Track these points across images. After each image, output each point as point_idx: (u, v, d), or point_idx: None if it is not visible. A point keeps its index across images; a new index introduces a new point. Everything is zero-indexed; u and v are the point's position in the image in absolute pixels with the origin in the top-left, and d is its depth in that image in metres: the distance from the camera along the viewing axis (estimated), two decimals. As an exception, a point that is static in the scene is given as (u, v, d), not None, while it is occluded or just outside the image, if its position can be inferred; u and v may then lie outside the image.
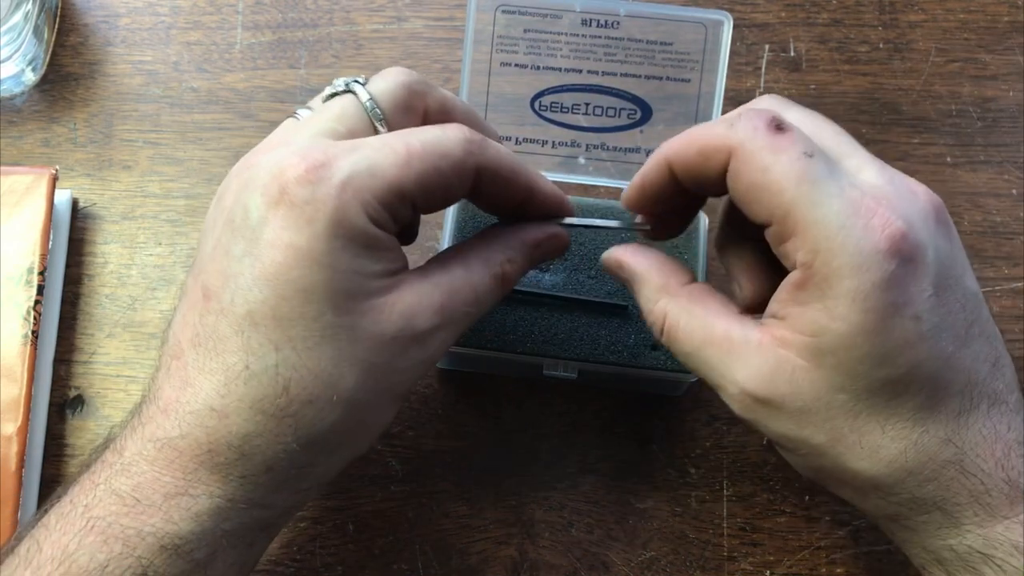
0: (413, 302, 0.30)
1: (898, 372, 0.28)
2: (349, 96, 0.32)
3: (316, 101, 0.34)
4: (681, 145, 0.31)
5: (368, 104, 0.31)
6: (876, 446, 0.29)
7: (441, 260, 0.33)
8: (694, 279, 0.33)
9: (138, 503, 0.28)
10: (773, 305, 0.30)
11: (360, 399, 0.29)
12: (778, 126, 0.29)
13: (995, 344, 0.30)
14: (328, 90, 0.32)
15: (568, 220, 0.35)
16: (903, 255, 0.27)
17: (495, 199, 0.33)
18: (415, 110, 0.32)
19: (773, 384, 0.29)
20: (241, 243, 0.29)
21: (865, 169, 0.30)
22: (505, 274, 0.33)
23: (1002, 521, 0.28)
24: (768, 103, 0.32)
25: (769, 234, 0.29)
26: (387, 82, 0.32)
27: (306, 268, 0.28)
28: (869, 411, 0.28)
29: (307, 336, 0.28)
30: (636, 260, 0.34)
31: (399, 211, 0.30)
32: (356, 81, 0.32)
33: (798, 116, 0.31)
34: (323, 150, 0.29)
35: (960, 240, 0.31)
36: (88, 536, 0.28)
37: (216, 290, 0.29)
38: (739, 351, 0.30)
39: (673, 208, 0.34)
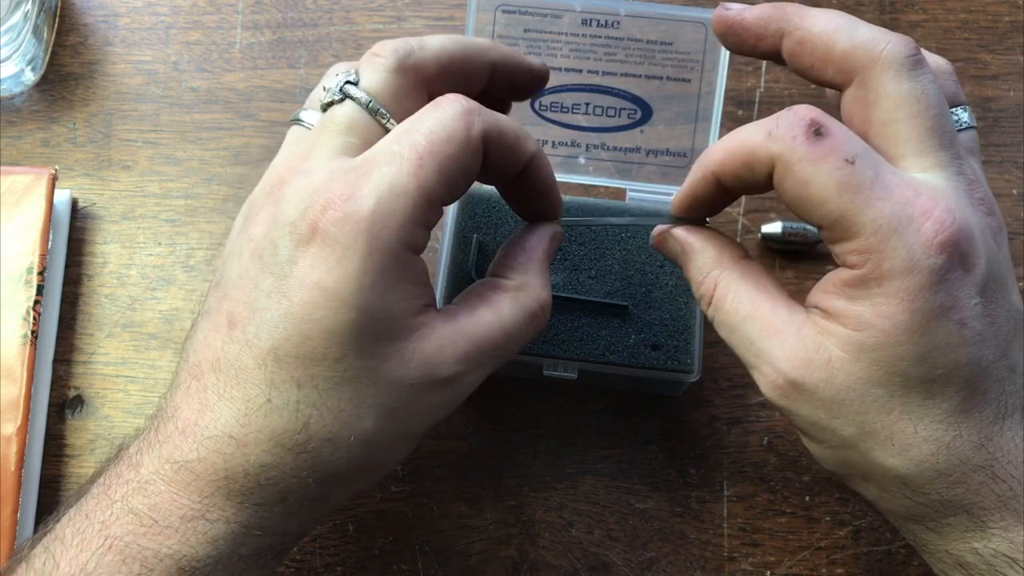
0: (434, 350, 0.30)
1: (936, 373, 0.28)
2: (348, 103, 0.31)
3: (313, 103, 0.33)
4: (725, 156, 0.31)
5: (372, 107, 0.31)
6: (907, 444, 0.29)
7: (468, 301, 0.32)
8: (747, 256, 0.33)
9: (156, 524, 0.28)
10: (817, 296, 0.30)
11: (378, 440, 0.30)
12: (817, 131, 0.28)
13: None
14: (325, 98, 0.32)
15: (593, 219, 0.36)
16: (955, 259, 0.27)
17: (499, 166, 0.32)
18: (415, 86, 0.32)
19: (809, 369, 0.29)
20: (270, 279, 0.29)
21: (934, 170, 0.29)
22: (544, 307, 0.33)
23: None
24: (900, 45, 0.30)
25: (823, 235, 0.30)
26: (378, 74, 0.31)
27: (332, 309, 0.28)
28: (903, 408, 0.28)
29: (329, 376, 0.28)
30: (690, 233, 0.34)
31: (429, 217, 0.30)
32: (349, 82, 0.31)
33: (915, 87, 0.29)
34: (343, 179, 0.29)
35: (1011, 261, 0.30)
36: (107, 555, 0.28)
37: (242, 320, 0.29)
38: (780, 330, 0.30)
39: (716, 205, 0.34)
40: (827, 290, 0.30)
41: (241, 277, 0.30)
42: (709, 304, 0.32)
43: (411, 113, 0.31)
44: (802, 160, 0.28)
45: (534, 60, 0.36)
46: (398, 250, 0.29)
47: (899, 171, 0.29)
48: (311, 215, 0.28)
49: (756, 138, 0.29)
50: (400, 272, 0.29)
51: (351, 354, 0.28)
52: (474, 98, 0.31)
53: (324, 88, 0.32)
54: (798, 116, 0.29)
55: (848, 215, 0.28)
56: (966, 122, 0.32)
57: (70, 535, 0.29)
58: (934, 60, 0.33)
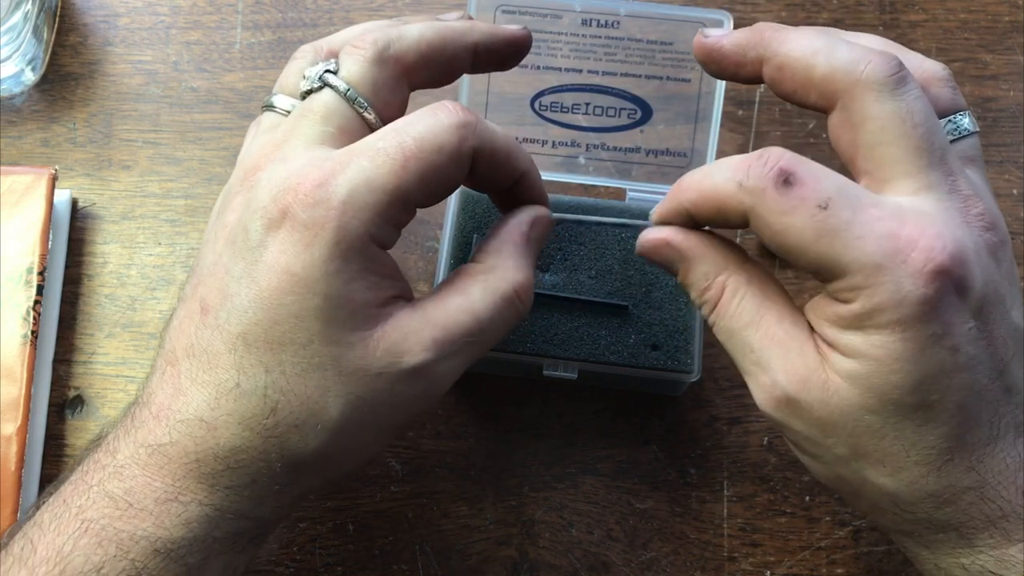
0: (399, 338, 0.29)
1: (929, 400, 0.27)
2: (327, 91, 0.31)
3: (283, 87, 0.33)
4: (698, 199, 0.30)
5: (351, 95, 0.31)
6: (898, 467, 0.28)
7: (437, 291, 0.32)
8: (750, 258, 0.32)
9: (131, 507, 0.29)
10: (811, 317, 0.30)
11: (345, 429, 0.29)
12: (786, 180, 0.28)
13: None
14: (304, 85, 0.32)
15: (582, 216, 0.36)
16: (946, 287, 0.27)
17: (488, 180, 0.32)
18: (394, 77, 0.32)
19: (806, 387, 0.29)
20: (241, 264, 0.29)
21: (924, 192, 0.28)
22: (519, 290, 0.32)
23: (1016, 544, 0.28)
24: (881, 65, 0.29)
25: (812, 276, 0.29)
26: (357, 64, 0.31)
27: (299, 294, 0.28)
28: (896, 435, 0.28)
29: (295, 362, 0.29)
30: (687, 238, 0.32)
31: (401, 218, 0.30)
32: (328, 71, 0.31)
33: (900, 107, 0.29)
34: (319, 166, 0.29)
35: (1016, 274, 0.30)
36: (83, 538, 0.28)
37: (214, 306, 0.29)
38: (784, 343, 0.29)
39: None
40: (819, 315, 0.29)
41: (215, 264, 0.30)
42: (714, 308, 0.31)
43: (390, 103, 0.32)
44: (774, 212, 0.28)
45: (514, 30, 0.34)
46: (365, 243, 0.29)
47: (882, 200, 0.28)
48: (283, 199, 0.29)
49: (728, 188, 0.29)
50: (366, 264, 0.29)
51: (316, 340, 0.28)
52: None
53: (304, 76, 0.32)
54: (768, 165, 0.28)
55: (829, 259, 0.27)
56: (967, 128, 0.31)
57: (48, 520, 0.29)
58: (930, 66, 0.32)
